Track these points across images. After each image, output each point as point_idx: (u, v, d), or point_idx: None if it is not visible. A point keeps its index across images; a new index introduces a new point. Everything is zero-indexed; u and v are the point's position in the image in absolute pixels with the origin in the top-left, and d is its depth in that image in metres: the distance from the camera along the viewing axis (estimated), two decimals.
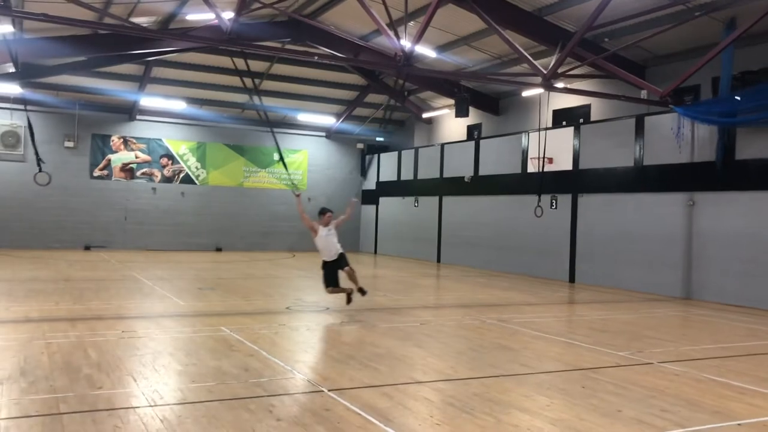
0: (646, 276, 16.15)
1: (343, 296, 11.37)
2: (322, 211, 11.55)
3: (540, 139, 17.39)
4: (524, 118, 22.81)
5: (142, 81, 23.72)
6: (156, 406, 5.59)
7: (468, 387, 6.56)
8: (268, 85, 25.22)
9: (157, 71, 23.52)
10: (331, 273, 11.25)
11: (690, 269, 15.18)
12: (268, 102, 26.19)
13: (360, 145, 29.84)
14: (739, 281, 14.07)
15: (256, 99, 25.24)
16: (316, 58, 12.20)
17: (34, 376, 6.43)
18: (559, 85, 15.25)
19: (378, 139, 30.06)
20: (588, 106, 20.68)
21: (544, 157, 16.72)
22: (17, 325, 9.20)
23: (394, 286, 16.25)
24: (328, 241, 11.18)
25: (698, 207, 15.07)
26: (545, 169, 19.21)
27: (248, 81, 23.13)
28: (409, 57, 12.05)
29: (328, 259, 11.24)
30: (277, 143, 14.49)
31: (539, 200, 15.86)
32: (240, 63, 23.14)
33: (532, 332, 9.96)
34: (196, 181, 26.92)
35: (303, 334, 9.18)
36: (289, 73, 24.52)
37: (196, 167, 26.95)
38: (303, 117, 27.60)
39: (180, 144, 26.66)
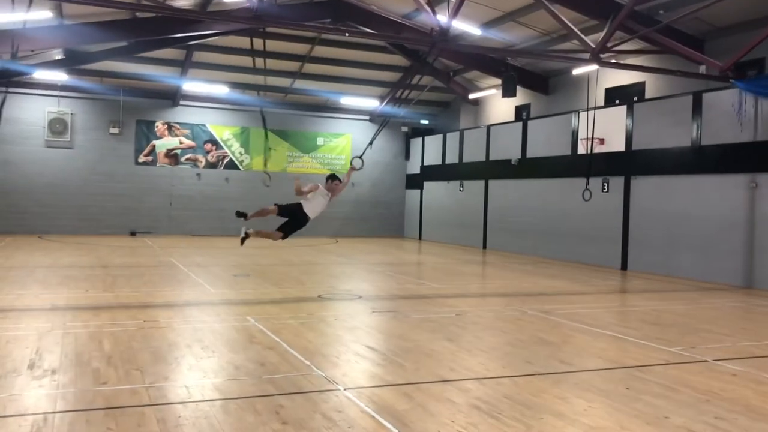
0: (704, 263, 15.17)
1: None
2: (332, 177, 11.03)
3: (588, 119, 16.46)
4: (575, 98, 21.79)
5: (184, 66, 23.63)
6: (156, 405, 5.22)
7: (499, 387, 6.00)
8: (309, 68, 24.81)
9: (199, 56, 23.37)
10: (290, 223, 10.69)
11: (752, 256, 14.15)
12: (311, 86, 25.91)
13: (404, 128, 29.23)
14: None
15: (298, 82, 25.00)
16: (346, 35, 11.64)
17: (41, 369, 6.15)
18: (609, 60, 14.32)
19: (423, 121, 29.40)
20: (642, 84, 19.58)
21: (593, 138, 15.81)
22: (41, 313, 9.04)
23: (433, 273, 15.70)
24: (317, 204, 10.69)
25: (762, 189, 14.00)
26: (596, 151, 18.32)
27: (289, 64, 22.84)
28: (445, 32, 11.40)
29: (308, 215, 10.71)
30: (264, 119, 13.91)
31: (588, 183, 15.02)
32: (279, 45, 22.92)
33: (576, 324, 9.29)
34: (240, 167, 26.81)
35: (330, 325, 8.74)
36: (330, 55, 24.04)
37: (240, 153, 26.83)
38: (346, 100, 27.12)
39: (224, 129, 26.56)
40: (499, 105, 26.05)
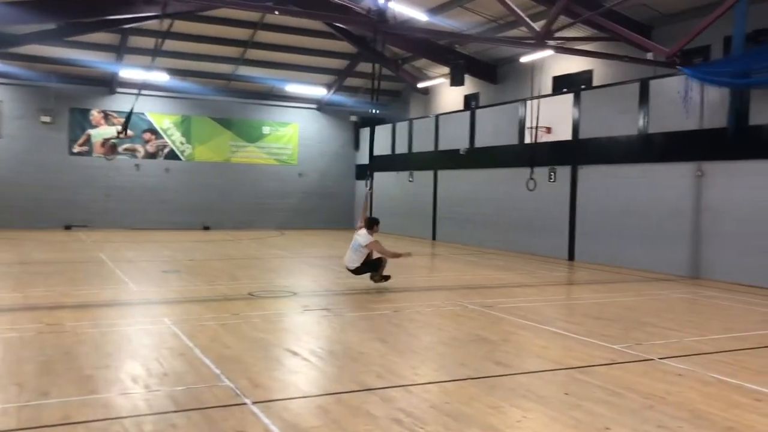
0: (651, 254, 14.95)
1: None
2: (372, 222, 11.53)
3: (531, 108, 16.09)
4: (523, 86, 21.42)
5: (119, 51, 22.48)
6: (23, 430, 4.49)
7: (426, 395, 5.44)
8: (253, 54, 23.90)
9: (135, 41, 22.23)
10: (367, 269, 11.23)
11: (699, 246, 13.96)
12: (254, 72, 25.02)
13: (353, 118, 28.55)
14: (753, 259, 12.85)
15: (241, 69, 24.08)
16: (276, 13, 10.91)
17: None
18: (556, 45, 13.90)
19: (372, 111, 28.74)
20: (590, 72, 19.33)
21: (537, 127, 15.43)
22: None
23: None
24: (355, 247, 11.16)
25: (707, 178, 13.80)
26: (543, 140, 18.01)
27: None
28: (383, 13, 10.77)
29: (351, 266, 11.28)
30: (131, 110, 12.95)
31: (532, 172, 14.64)
32: (219, 30, 21.98)
33: (517, 320, 8.82)
34: (182, 157, 25.76)
35: (254, 327, 8.07)
36: (274, 41, 23.17)
37: (181, 142, 25.77)
38: (292, 88, 26.27)
39: (164, 118, 25.46)
40: (448, 94, 25.60)
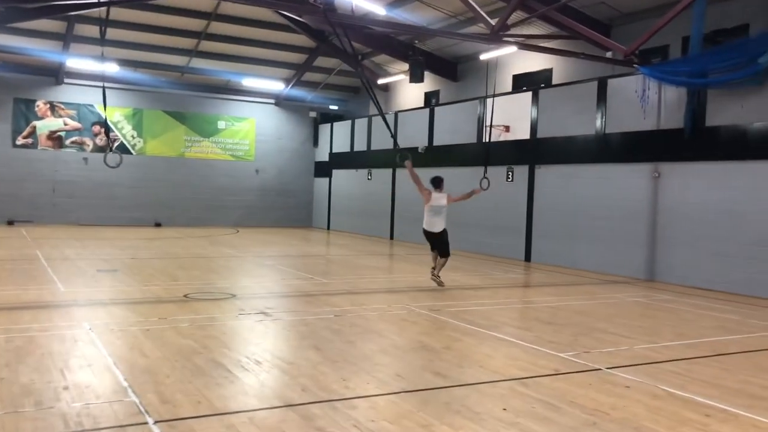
0: (608, 255, 14.72)
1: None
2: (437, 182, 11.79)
3: (487, 106, 15.72)
4: (483, 84, 21.05)
5: (66, 40, 21.53)
6: None
7: (351, 413, 4.95)
8: (207, 46, 23.16)
9: (82, 29, 21.29)
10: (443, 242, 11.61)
11: (654, 248, 13.76)
12: (209, 65, 24.27)
13: (313, 114, 27.95)
14: (709, 262, 12.68)
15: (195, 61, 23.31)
16: None
17: None
18: (511, 40, 13.55)
19: (332, 107, 28.22)
20: (550, 71, 19.08)
21: (491, 125, 15.07)
22: None
23: (329, 267, 14.63)
24: (437, 209, 11.45)
25: (664, 179, 13.60)
26: (501, 139, 17.72)
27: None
28: (330, 2, 10.25)
29: (435, 229, 11.54)
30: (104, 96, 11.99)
31: (485, 171, 14.22)
32: (172, 20, 21.21)
33: (464, 325, 8.40)
34: (133, 151, 24.86)
35: (180, 333, 7.50)
36: (229, 33, 22.45)
37: (132, 136, 24.88)
38: (248, 82, 25.55)
39: (114, 110, 24.51)
40: (409, 91, 25.19)
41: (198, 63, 24.02)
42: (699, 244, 12.84)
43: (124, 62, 23.37)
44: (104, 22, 11.76)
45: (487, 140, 15.28)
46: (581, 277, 14.07)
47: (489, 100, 17.74)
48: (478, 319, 8.90)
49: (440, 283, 11.56)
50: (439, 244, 11.65)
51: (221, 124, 26.14)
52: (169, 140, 25.39)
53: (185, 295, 9.91)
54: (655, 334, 8.39)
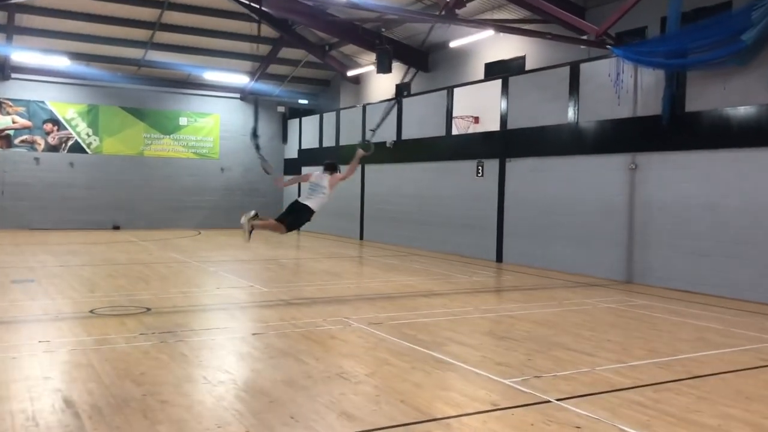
0: (582, 256, 13.55)
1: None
2: (332, 167, 9.75)
3: (450, 96, 14.54)
4: (456, 74, 19.96)
5: (8, 31, 20.17)
6: None
7: None
8: (163, 37, 21.86)
9: (26, 20, 19.99)
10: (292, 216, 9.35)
11: (632, 247, 12.59)
12: (166, 57, 22.95)
13: (281, 109, 26.65)
14: (688, 262, 11.52)
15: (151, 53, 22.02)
16: None
17: None
18: (468, 20, 12.33)
19: (301, 101, 26.95)
20: (522, 59, 17.90)
21: (452, 117, 13.89)
22: None
23: (278, 273, 13.40)
24: (318, 197, 9.40)
25: (641, 171, 12.43)
26: (471, 131, 16.55)
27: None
28: None
29: (313, 209, 9.38)
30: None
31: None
32: (122, 10, 19.91)
33: (402, 343, 7.19)
34: (88, 150, 23.52)
35: (45, 362, 6.24)
36: (185, 23, 21.17)
37: (87, 134, 23.52)
38: (211, 75, 24.25)
39: (67, 107, 23.18)
40: (380, 83, 23.97)
41: (155, 55, 22.69)
42: (679, 243, 11.68)
43: (76, 55, 22.05)
44: (54, 13, 10.37)
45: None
46: (553, 279, 12.89)
47: (456, 90, 16.64)
48: (422, 334, 7.69)
49: (248, 231, 8.99)
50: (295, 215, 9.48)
51: (183, 121, 24.82)
52: (128, 138, 24.05)
53: (91, 311, 8.64)
54: (623, 350, 7.19)
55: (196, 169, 25.20)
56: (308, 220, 9.52)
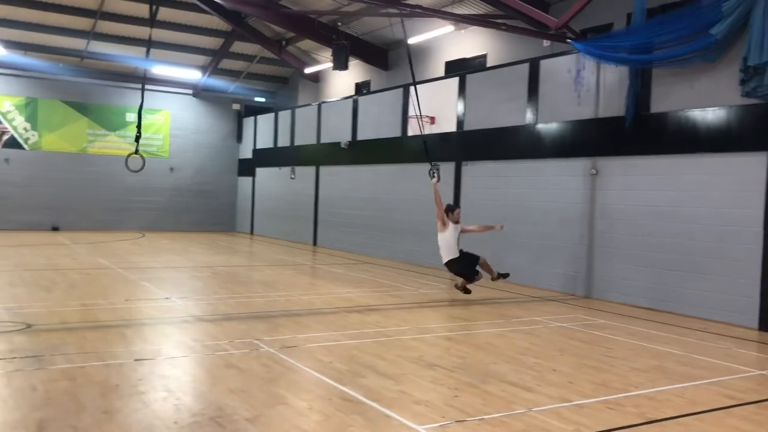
0: (540, 267, 12.55)
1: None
2: (452, 208, 10.83)
3: (405, 95, 13.42)
4: (418, 72, 18.79)
5: None
6: None
7: None
8: (106, 27, 20.51)
9: None
10: (464, 266, 10.46)
11: (592, 259, 11.61)
12: (110, 49, 21.60)
13: (236, 106, 25.40)
14: (653, 276, 10.55)
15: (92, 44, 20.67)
16: None
17: None
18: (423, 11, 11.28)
19: (258, 99, 25.73)
20: (484, 57, 16.93)
21: (407, 117, 12.83)
22: None
23: (205, 282, 12.19)
24: (451, 240, 10.45)
25: (602, 177, 11.46)
26: (426, 132, 15.44)
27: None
28: None
29: (451, 257, 10.43)
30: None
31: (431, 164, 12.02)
32: None
33: (310, 373, 6.08)
34: (25, 146, 22.03)
35: None
36: (129, 12, 19.85)
37: (25, 128, 22.04)
38: (160, 70, 22.91)
39: (3, 99, 21.68)
40: (339, 81, 22.88)
41: (98, 47, 21.32)
42: (642, 255, 10.71)
43: (12, 44, 20.63)
44: None
45: (421, 131, 12.98)
46: (507, 292, 11.86)
47: (412, 89, 15.55)
48: (340, 361, 6.58)
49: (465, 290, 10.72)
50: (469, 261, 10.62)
51: (130, 117, 23.40)
52: (69, 134, 22.61)
53: None
54: (569, 384, 6.13)
55: (144, 168, 23.70)
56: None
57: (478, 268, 10.51)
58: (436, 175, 11.31)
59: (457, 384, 5.94)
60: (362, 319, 8.96)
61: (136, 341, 7.15)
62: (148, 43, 10.93)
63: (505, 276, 10.80)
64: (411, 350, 7.24)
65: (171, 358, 6.49)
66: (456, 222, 10.64)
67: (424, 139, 11.94)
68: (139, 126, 10.39)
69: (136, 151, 10.16)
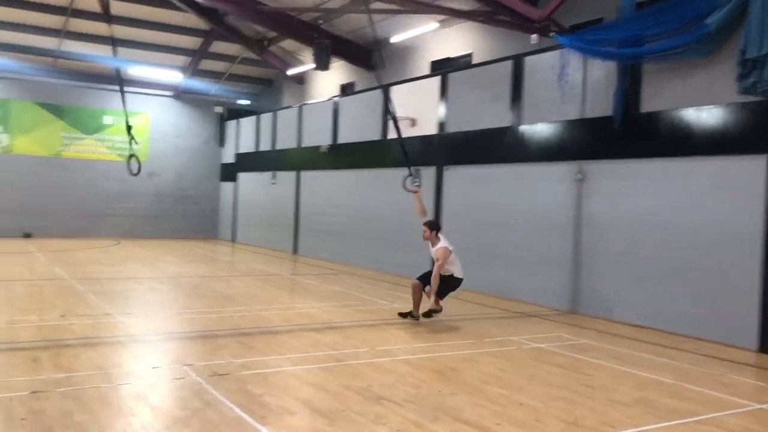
0: (522, 279, 11.66)
1: None
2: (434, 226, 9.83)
3: (385, 96, 12.55)
4: (400, 73, 18.05)
5: None
6: None
7: None
8: (78, 25, 19.71)
9: None
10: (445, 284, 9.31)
11: (578, 271, 10.71)
12: (85, 49, 20.78)
13: (218, 109, 24.54)
14: (642, 290, 9.65)
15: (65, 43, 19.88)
16: None
17: None
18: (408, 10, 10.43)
19: (240, 101, 24.89)
20: (469, 56, 16.09)
21: (387, 120, 11.96)
22: None
23: (160, 296, 11.34)
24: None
25: (589, 182, 10.58)
26: (407, 135, 14.55)
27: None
28: None
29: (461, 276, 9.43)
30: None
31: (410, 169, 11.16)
32: None
33: (232, 409, 5.20)
34: None
35: None
36: (99, 9, 18.93)
37: None
38: (137, 71, 22.09)
39: None
40: (324, 83, 22.05)
41: (71, 46, 20.50)
42: (630, 267, 9.81)
43: None
44: None
45: (397, 135, 12.09)
46: (485, 307, 10.97)
47: (394, 89, 14.78)
48: (272, 393, 5.69)
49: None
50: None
51: (108, 120, 22.59)
52: (43, 137, 21.78)
53: None
54: (534, 423, 5.24)
55: (122, 173, 22.74)
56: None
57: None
58: (417, 181, 10.32)
59: (401, 424, 5.05)
60: (317, 339, 8.07)
61: (45, 368, 6.27)
62: (113, 41, 10.74)
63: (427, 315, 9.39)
64: (360, 378, 6.35)
65: (77, 389, 5.60)
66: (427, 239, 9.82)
67: (401, 142, 11.00)
68: (128, 129, 10.73)
69: (131, 156, 10.55)
